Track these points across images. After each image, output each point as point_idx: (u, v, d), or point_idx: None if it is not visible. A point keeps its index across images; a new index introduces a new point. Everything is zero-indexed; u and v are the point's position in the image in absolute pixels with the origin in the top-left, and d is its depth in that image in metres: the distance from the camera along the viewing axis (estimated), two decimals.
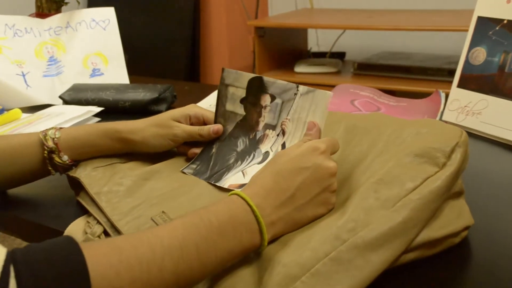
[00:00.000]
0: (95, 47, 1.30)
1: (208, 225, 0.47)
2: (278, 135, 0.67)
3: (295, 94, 0.65)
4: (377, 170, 0.56)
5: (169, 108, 1.14)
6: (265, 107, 0.69)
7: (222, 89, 0.72)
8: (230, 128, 0.72)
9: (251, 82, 0.70)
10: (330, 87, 1.12)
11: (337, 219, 0.52)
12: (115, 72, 1.31)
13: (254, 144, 0.69)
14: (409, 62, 1.98)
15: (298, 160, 0.54)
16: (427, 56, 2.06)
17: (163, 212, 0.60)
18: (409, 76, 1.93)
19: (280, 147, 0.66)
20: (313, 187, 0.54)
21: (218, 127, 0.71)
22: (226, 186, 0.65)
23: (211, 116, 0.73)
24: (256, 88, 0.69)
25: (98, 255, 0.41)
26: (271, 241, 0.51)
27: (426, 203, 0.51)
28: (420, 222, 0.51)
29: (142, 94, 1.12)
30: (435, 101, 1.02)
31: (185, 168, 0.70)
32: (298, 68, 2.14)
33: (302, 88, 0.65)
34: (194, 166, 0.70)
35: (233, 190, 0.53)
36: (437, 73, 1.88)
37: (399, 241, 0.50)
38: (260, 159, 0.67)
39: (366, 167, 0.59)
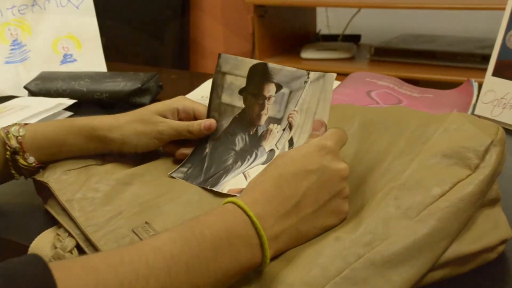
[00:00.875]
0: (67, 29, 1.30)
1: (201, 240, 0.47)
2: (284, 130, 0.67)
3: (305, 82, 0.65)
4: (398, 173, 0.56)
5: (154, 100, 1.14)
6: (269, 98, 0.68)
7: (218, 78, 0.72)
8: (225, 123, 0.72)
9: (253, 69, 0.70)
10: (343, 75, 1.12)
11: (351, 231, 0.52)
12: (90, 58, 1.30)
13: (256, 141, 0.69)
14: (435, 46, 1.98)
15: (303, 162, 0.54)
16: (456, 39, 2.06)
17: (146, 223, 0.60)
18: (435, 62, 1.92)
19: (287, 144, 0.66)
20: (322, 193, 0.54)
21: (210, 122, 0.71)
22: (225, 191, 0.65)
23: (203, 110, 0.73)
24: (259, 76, 0.69)
25: (70, 277, 0.41)
26: (273, 258, 0.51)
27: (456, 212, 0.51)
28: (449, 234, 0.51)
29: (122, 84, 1.12)
30: (466, 92, 1.02)
31: (173, 172, 0.70)
32: (305, 54, 2.14)
33: (313, 74, 0.65)
34: (184, 169, 0.70)
35: (232, 196, 0.53)
36: (468, 59, 1.87)
37: (425, 256, 0.50)
38: (264, 158, 0.67)
39: (385, 170, 0.59)
